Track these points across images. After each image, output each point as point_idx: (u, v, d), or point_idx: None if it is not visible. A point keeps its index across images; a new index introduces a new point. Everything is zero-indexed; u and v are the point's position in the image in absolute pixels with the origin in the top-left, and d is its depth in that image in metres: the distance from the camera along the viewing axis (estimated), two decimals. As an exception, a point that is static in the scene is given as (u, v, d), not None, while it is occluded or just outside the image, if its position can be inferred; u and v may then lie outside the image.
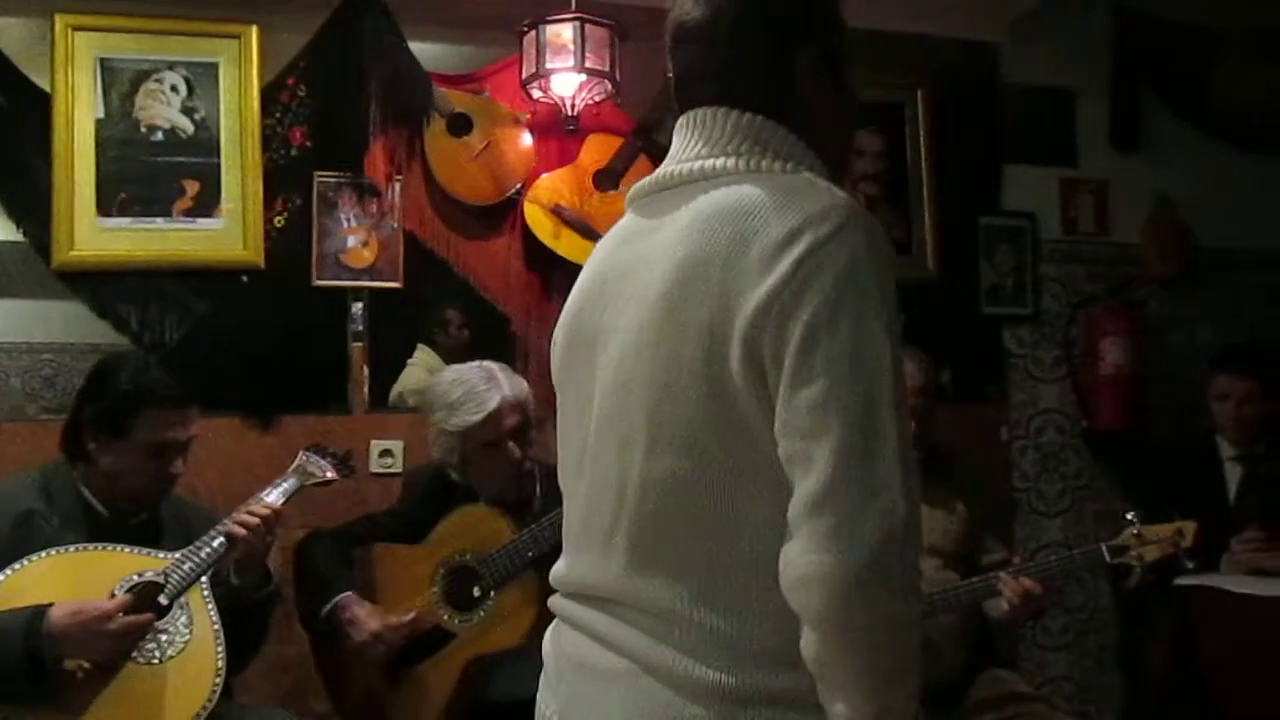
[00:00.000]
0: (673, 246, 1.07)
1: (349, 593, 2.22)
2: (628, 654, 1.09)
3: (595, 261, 1.23)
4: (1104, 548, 2.36)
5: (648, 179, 1.19)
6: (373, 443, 2.86)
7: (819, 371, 0.97)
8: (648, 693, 1.06)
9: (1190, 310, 3.60)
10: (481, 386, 2.26)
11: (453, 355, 2.81)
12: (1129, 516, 2.43)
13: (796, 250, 0.99)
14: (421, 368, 2.93)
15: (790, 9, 1.14)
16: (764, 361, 1.00)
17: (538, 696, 1.23)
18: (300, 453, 2.38)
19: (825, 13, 1.17)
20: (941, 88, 3.38)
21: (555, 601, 1.23)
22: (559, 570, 1.22)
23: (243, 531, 2.02)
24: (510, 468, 2.28)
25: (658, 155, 3.01)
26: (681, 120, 1.17)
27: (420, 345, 2.97)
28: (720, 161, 1.10)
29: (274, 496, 2.16)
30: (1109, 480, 3.50)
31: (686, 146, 1.14)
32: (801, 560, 0.97)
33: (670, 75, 1.20)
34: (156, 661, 1.90)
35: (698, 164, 1.12)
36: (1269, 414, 2.96)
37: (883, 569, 0.95)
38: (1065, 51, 3.51)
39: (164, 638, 1.93)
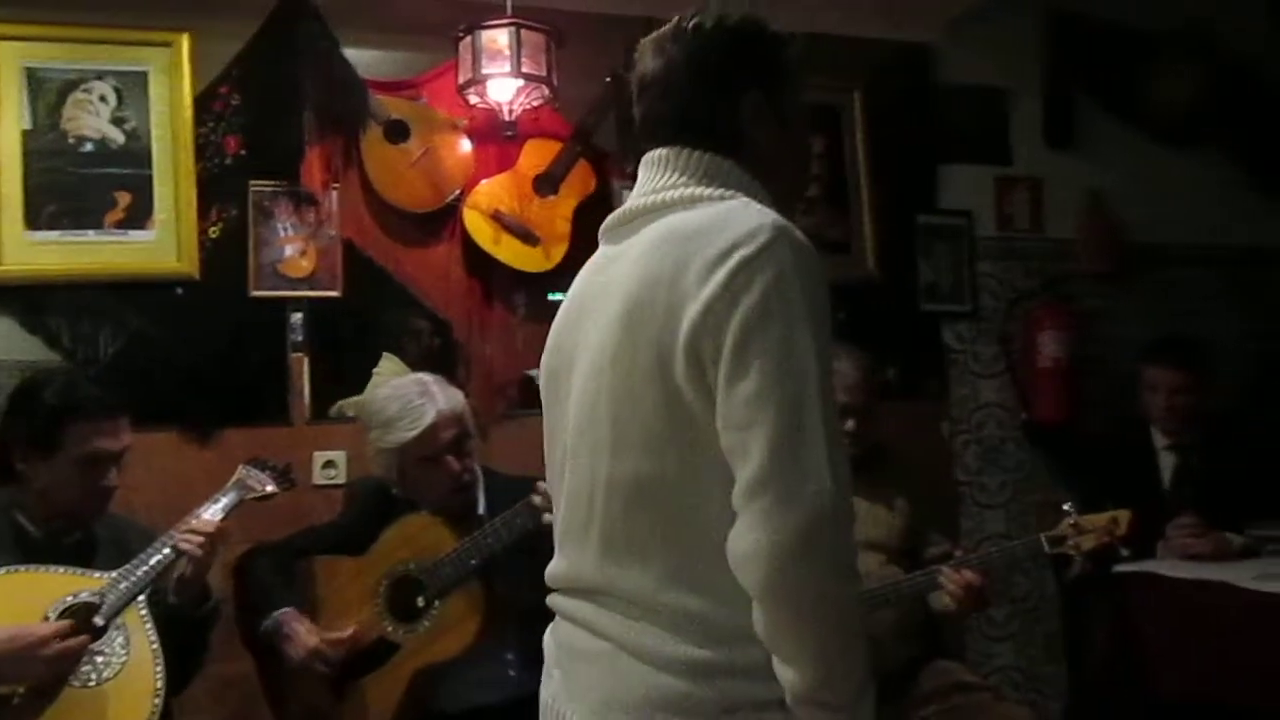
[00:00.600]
0: (629, 271, 1.21)
1: (288, 608, 2.19)
2: (608, 637, 1.21)
3: (574, 288, 1.37)
4: (1043, 538, 2.40)
5: (615, 213, 1.32)
6: (315, 454, 2.83)
7: (752, 371, 1.09)
8: (625, 669, 1.19)
9: (1123, 304, 3.67)
10: (416, 401, 2.24)
11: (423, 364, 2.78)
12: (1066, 507, 2.47)
13: (729, 265, 1.11)
14: (388, 376, 2.90)
15: (733, 61, 1.28)
16: (705, 364, 1.12)
17: (541, 689, 1.35)
18: (240, 466, 2.35)
19: (767, 62, 1.31)
20: (878, 89, 3.42)
21: (551, 599, 1.35)
22: (552, 569, 1.35)
23: (194, 550, 1.99)
24: (450, 480, 2.26)
25: (596, 159, 3.05)
26: (644, 159, 1.31)
27: (387, 355, 2.95)
28: (671, 194, 1.25)
29: (213, 511, 2.14)
30: (1048, 472, 3.56)
31: (646, 182, 1.29)
32: (744, 539, 1.09)
33: (635, 118, 1.34)
34: (94, 684, 1.87)
35: (653, 197, 1.26)
36: (1199, 404, 3.04)
37: (814, 546, 1.07)
38: (999, 52, 3.57)
39: (101, 660, 1.89)
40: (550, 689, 1.31)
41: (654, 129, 1.31)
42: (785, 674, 1.12)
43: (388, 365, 2.92)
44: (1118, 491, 2.63)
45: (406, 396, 2.25)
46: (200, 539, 2.02)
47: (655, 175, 1.28)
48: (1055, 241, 3.62)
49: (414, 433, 2.22)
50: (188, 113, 2.76)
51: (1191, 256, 3.78)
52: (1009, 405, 3.54)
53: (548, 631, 1.37)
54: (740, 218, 1.16)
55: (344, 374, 2.91)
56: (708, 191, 1.23)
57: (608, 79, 3.06)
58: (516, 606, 2.22)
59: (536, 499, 2.13)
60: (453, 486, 2.27)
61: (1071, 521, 2.45)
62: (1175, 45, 3.75)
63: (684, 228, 1.19)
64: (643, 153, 1.31)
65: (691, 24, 1.30)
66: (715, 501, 1.13)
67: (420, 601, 2.21)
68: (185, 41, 2.77)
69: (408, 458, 2.25)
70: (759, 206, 1.20)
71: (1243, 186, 3.88)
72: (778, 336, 1.10)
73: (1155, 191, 3.68)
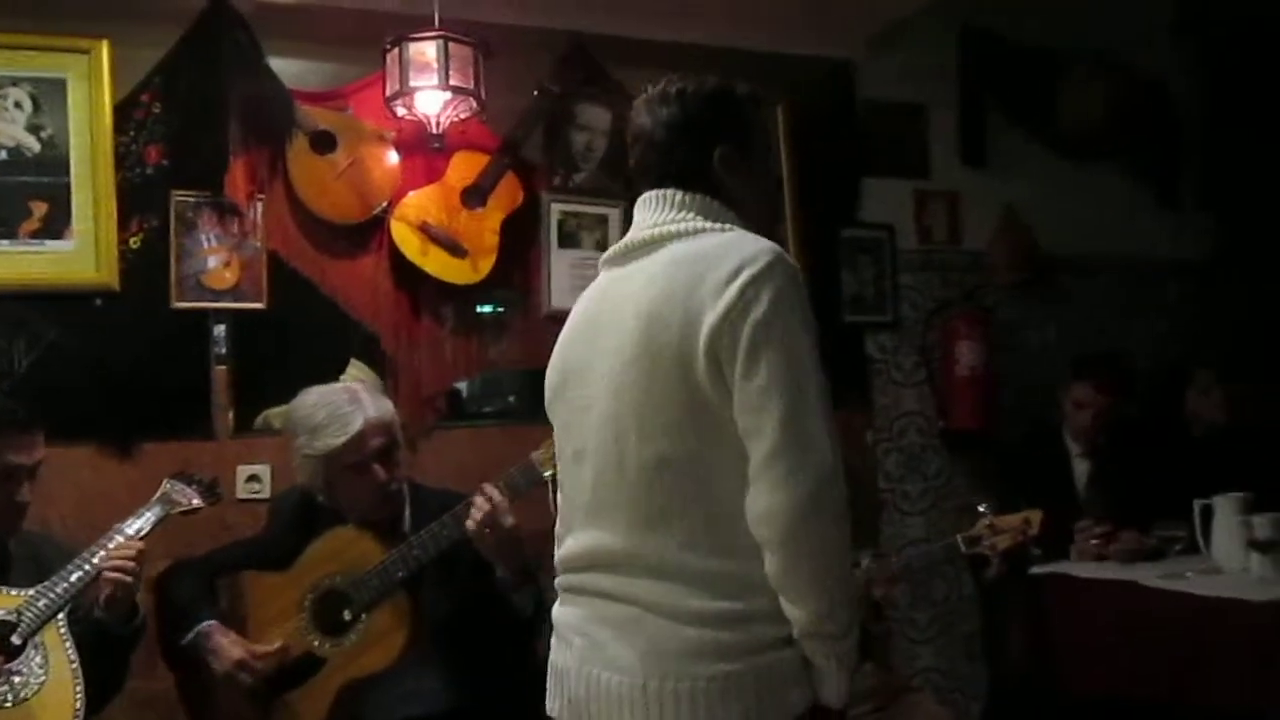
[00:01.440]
0: (644, 289, 1.46)
1: (211, 621, 2.17)
2: (634, 602, 1.43)
3: (580, 307, 1.62)
4: (959, 539, 2.48)
5: (617, 245, 1.58)
6: (239, 468, 2.80)
7: (762, 366, 1.36)
8: (652, 626, 1.41)
9: (1036, 314, 3.80)
10: (345, 408, 2.23)
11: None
12: (981, 508, 2.56)
13: (739, 282, 1.38)
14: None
15: (707, 120, 1.56)
16: (722, 363, 1.38)
17: (551, 658, 1.55)
18: (164, 481, 2.33)
19: (736, 121, 1.58)
20: (801, 104, 3.48)
21: (563, 579, 1.56)
22: (565, 551, 1.56)
23: (121, 579, 1.96)
24: (376, 490, 2.25)
25: (524, 171, 3.07)
26: (640, 200, 1.57)
27: (354, 361, 2.94)
28: (673, 227, 1.51)
29: (138, 527, 2.11)
30: (966, 477, 3.65)
31: (645, 219, 1.55)
32: (762, 501, 1.36)
33: (630, 166, 1.63)
34: (10, 704, 1.84)
35: (655, 230, 1.52)
36: (1115, 415, 3.16)
37: (819, 502, 1.34)
38: (917, 69, 3.66)
39: (18, 679, 1.86)
40: (570, 655, 1.50)
41: (644, 175, 1.58)
42: (794, 612, 1.38)
43: (354, 372, 2.92)
44: (1033, 496, 2.73)
45: (335, 403, 2.24)
46: (129, 564, 1.99)
47: (651, 213, 1.54)
48: (972, 254, 3.72)
49: (341, 439, 2.21)
50: (107, 121, 2.72)
51: (1099, 267, 3.92)
52: (929, 413, 3.63)
53: (557, 606, 1.57)
54: (743, 244, 1.44)
55: (268, 387, 2.88)
56: (708, 224, 1.50)
57: (535, 92, 3.09)
58: (443, 619, 2.23)
59: (481, 500, 2.13)
60: (379, 496, 2.26)
61: (987, 522, 2.54)
62: (1083, 64, 3.89)
63: (692, 253, 1.46)
64: (636, 195, 1.58)
65: (675, 89, 1.56)
66: (727, 475, 1.39)
67: (346, 615, 2.21)
68: (105, 48, 2.72)
69: (334, 465, 2.24)
70: (754, 235, 1.47)
71: (1147, 200, 4.04)
72: (781, 340, 1.37)
73: (1065, 205, 3.81)
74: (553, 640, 1.56)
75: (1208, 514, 2.69)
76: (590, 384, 1.51)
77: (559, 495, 1.63)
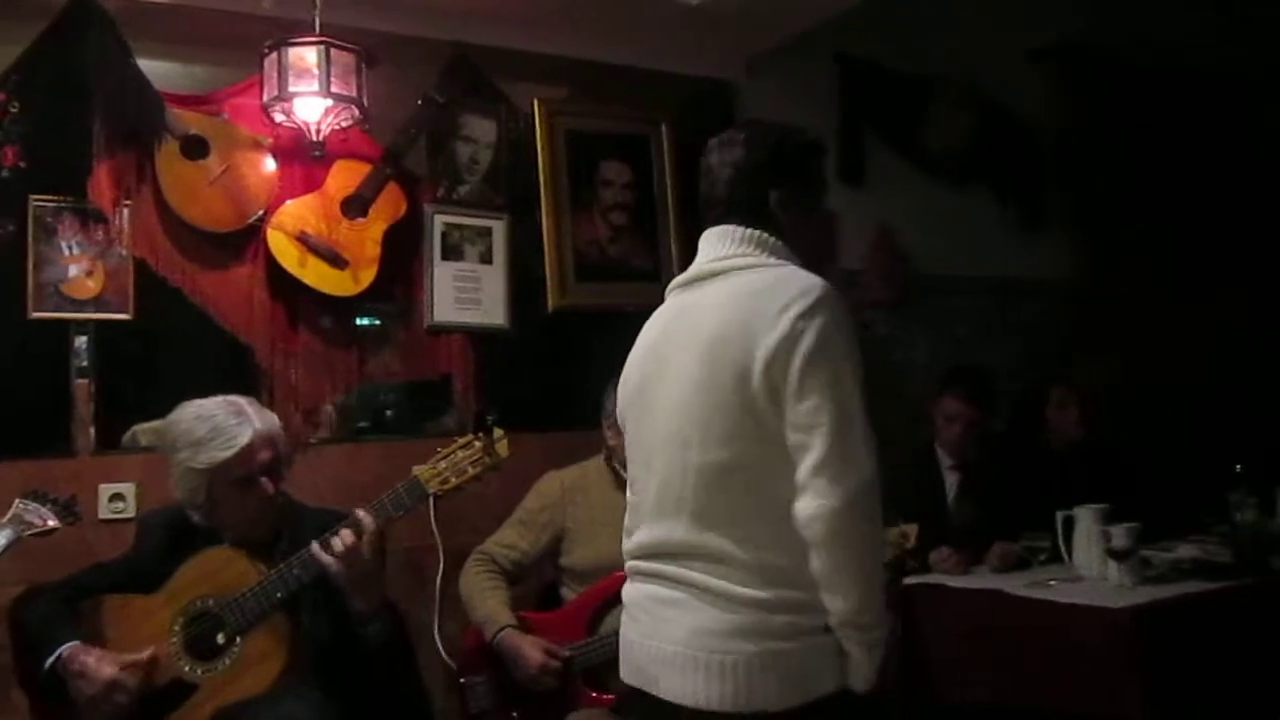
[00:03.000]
0: (709, 316, 1.68)
1: (74, 642, 2.05)
2: (691, 587, 1.65)
3: (654, 327, 1.83)
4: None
5: (684, 275, 1.80)
6: (101, 487, 2.67)
7: (812, 389, 1.58)
8: (705, 611, 1.63)
9: (909, 331, 3.93)
10: (231, 421, 2.15)
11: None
12: None
13: (791, 314, 1.59)
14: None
15: (766, 163, 1.76)
16: (777, 384, 1.59)
17: (621, 631, 1.80)
18: (16, 500, 2.19)
19: (793, 166, 1.78)
20: (684, 122, 3.53)
21: (632, 565, 1.79)
22: (632, 541, 1.79)
23: None
24: (262, 504, 2.18)
25: (407, 182, 3.02)
26: (705, 234, 1.78)
27: None
28: (734, 261, 1.72)
29: (-13, 550, 1.98)
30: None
31: (709, 251, 1.76)
32: (811, 505, 1.57)
33: (700, 198, 1.82)
34: None
35: (718, 264, 1.73)
36: (982, 429, 3.29)
37: (860, 505, 1.56)
38: (796, 91, 3.74)
39: None
40: (637, 629, 1.74)
41: (709, 208, 1.79)
42: (835, 604, 1.59)
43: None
44: (907, 507, 2.81)
45: (218, 417, 2.16)
46: None
47: (715, 247, 1.75)
48: (849, 272, 3.82)
49: (230, 452, 2.13)
50: (-41, 120, 2.57)
51: (966, 287, 4.08)
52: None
53: (627, 586, 1.80)
54: (795, 279, 1.65)
55: (135, 401, 2.76)
56: (766, 259, 1.71)
57: (419, 101, 3.04)
58: (323, 641, 2.16)
59: (346, 533, 2.08)
60: (265, 511, 2.18)
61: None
62: (949, 92, 4.06)
63: (751, 286, 1.67)
64: (704, 228, 1.79)
65: (743, 135, 1.78)
66: (777, 482, 1.60)
67: (220, 639, 2.11)
68: (-45, 44, 2.58)
69: (219, 480, 2.15)
70: (805, 272, 1.67)
71: (1010, 223, 4.23)
72: (829, 367, 1.58)
73: (936, 226, 3.96)
74: (623, 616, 1.80)
75: (1069, 524, 2.83)
76: (659, 398, 1.73)
77: (628, 493, 1.84)
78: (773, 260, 1.71)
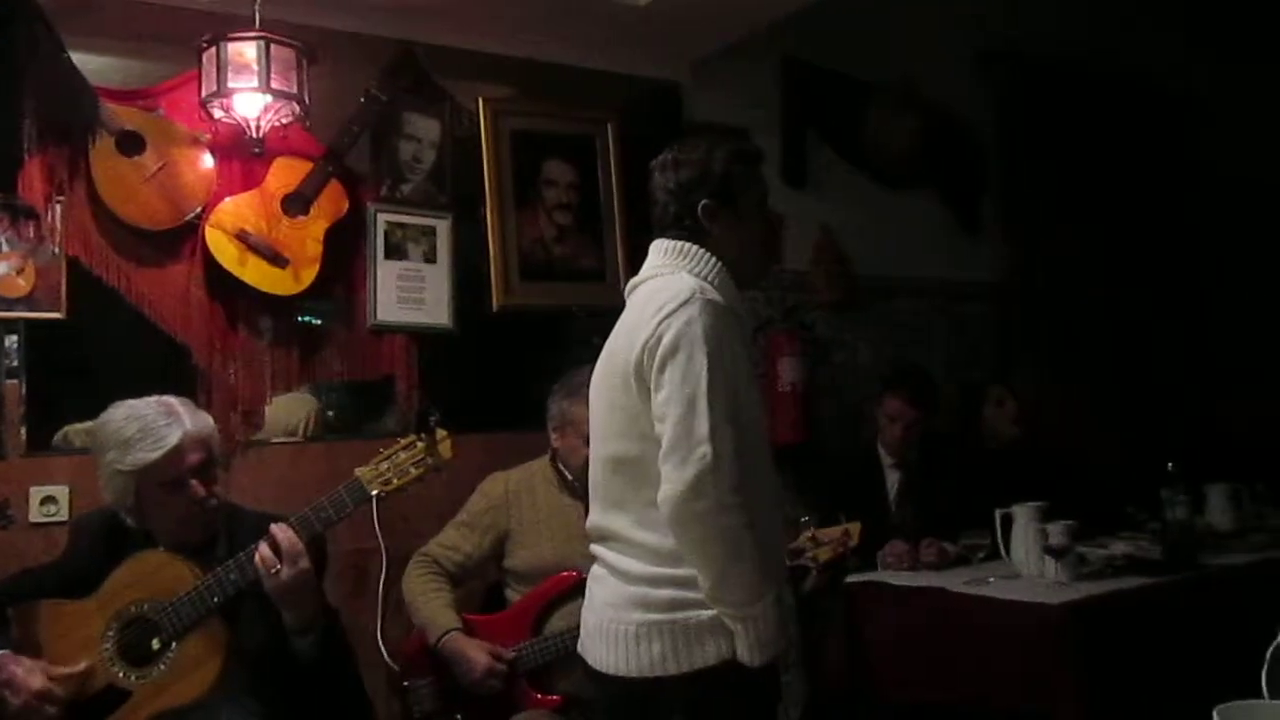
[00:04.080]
0: (620, 325, 1.89)
1: (3, 650, 1.99)
2: (607, 565, 1.87)
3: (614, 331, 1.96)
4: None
5: (634, 280, 1.94)
6: (32, 490, 2.60)
7: (665, 382, 1.74)
8: (612, 585, 1.85)
9: (851, 332, 3.97)
10: (160, 422, 2.10)
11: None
12: (804, 520, 2.64)
13: (658, 317, 1.76)
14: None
15: (693, 179, 1.90)
16: (646, 380, 1.76)
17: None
18: (-57, 505, 2.13)
19: (716, 176, 1.90)
20: (630, 122, 3.54)
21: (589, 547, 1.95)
22: (586, 525, 1.95)
23: None
24: (193, 508, 2.13)
25: (349, 180, 2.98)
26: (651, 245, 1.94)
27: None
28: (651, 272, 1.90)
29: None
30: (788, 490, 3.76)
31: (646, 263, 1.93)
32: (661, 491, 1.72)
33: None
34: None
35: (642, 276, 1.92)
36: (925, 428, 3.33)
37: (698, 489, 1.69)
38: (740, 93, 3.78)
39: None
40: (586, 604, 1.94)
41: (656, 223, 1.95)
42: (700, 581, 1.73)
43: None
44: (849, 506, 2.84)
45: (148, 417, 2.10)
46: None
47: (650, 260, 1.93)
48: (794, 273, 3.85)
49: (157, 454, 2.07)
50: (-119, 113, 2.49)
51: (909, 288, 4.13)
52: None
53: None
54: (673, 285, 1.81)
55: (67, 402, 2.69)
56: (670, 269, 1.87)
57: (362, 99, 3.01)
58: (262, 646, 2.13)
59: (264, 548, 2.05)
60: (195, 515, 2.14)
61: (810, 534, 2.62)
62: (890, 96, 4.11)
63: (646, 294, 1.85)
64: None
65: (671, 156, 1.92)
66: (658, 470, 1.73)
67: (155, 644, 2.07)
68: (-121, 34, 2.50)
69: (148, 481, 2.10)
70: (689, 277, 1.82)
71: (951, 225, 4.29)
72: (682, 362, 1.72)
73: (878, 229, 4.00)
74: None
75: (1007, 522, 2.87)
76: (595, 397, 1.93)
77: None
78: (670, 269, 1.86)
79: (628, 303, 1.93)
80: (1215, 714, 1.14)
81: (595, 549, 1.92)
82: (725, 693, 1.76)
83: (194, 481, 2.12)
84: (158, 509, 2.13)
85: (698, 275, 1.84)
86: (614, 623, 1.81)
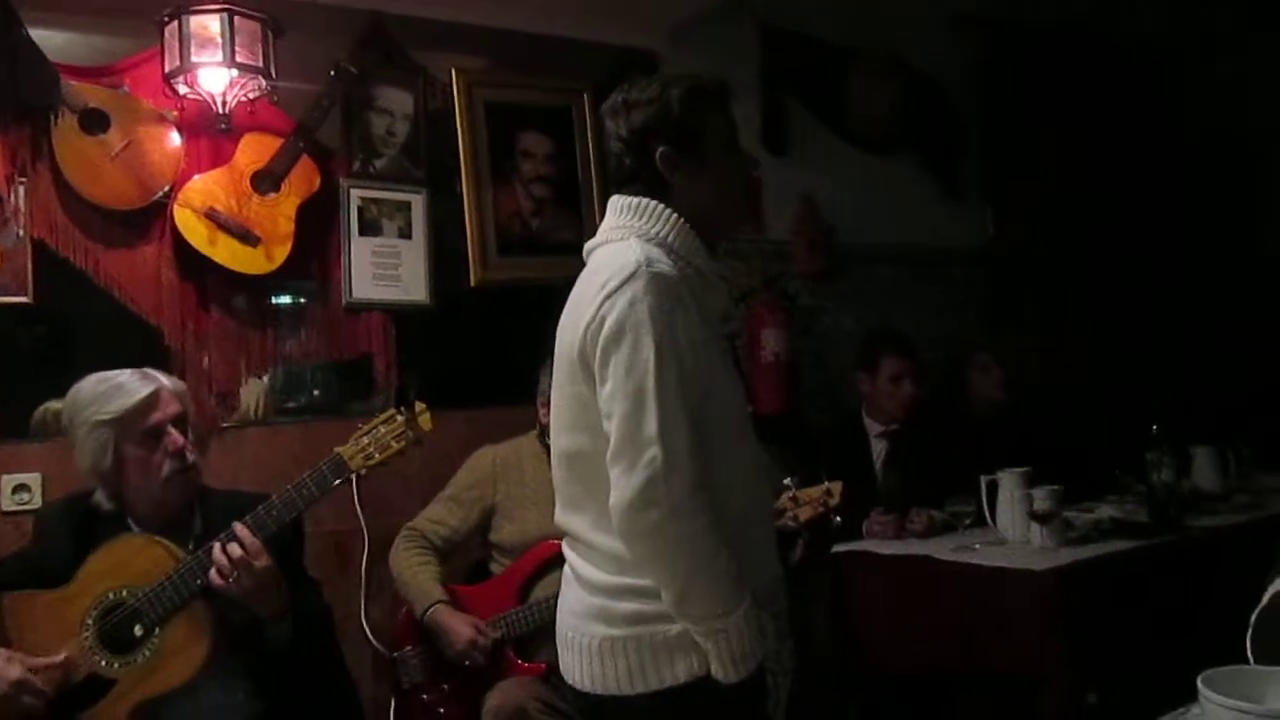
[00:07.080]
0: (573, 292, 1.65)
1: None
2: (573, 569, 1.68)
3: None
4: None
5: (589, 243, 1.70)
6: (4, 477, 2.56)
7: (609, 374, 1.52)
8: (574, 591, 1.66)
9: (833, 301, 3.94)
10: (135, 380, 2.10)
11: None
12: (786, 481, 2.62)
13: (600, 295, 1.54)
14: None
15: (647, 123, 1.64)
16: (591, 367, 1.55)
17: None
18: (-91, 494, 2.08)
19: (674, 121, 1.64)
20: (606, 92, 3.44)
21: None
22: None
23: None
24: (174, 463, 2.10)
25: (320, 156, 2.92)
26: (609, 202, 1.70)
27: None
28: (602, 238, 1.67)
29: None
30: (777, 460, 3.74)
31: (604, 222, 1.69)
32: (611, 498, 1.52)
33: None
34: None
35: (599, 237, 1.68)
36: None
37: (649, 496, 1.48)
38: (719, 59, 3.68)
39: None
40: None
41: (612, 178, 1.72)
42: (663, 594, 1.53)
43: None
44: (835, 475, 2.82)
45: (122, 377, 2.10)
46: None
47: (608, 218, 1.68)
48: (775, 243, 3.81)
49: (135, 399, 2.07)
50: None
51: (890, 256, 4.10)
52: (738, 399, 3.69)
53: None
54: (619, 256, 1.57)
55: (35, 387, 2.64)
56: (613, 235, 1.64)
57: (331, 72, 2.95)
58: (247, 626, 2.10)
59: (217, 551, 2.02)
60: (175, 473, 2.10)
61: (791, 495, 2.61)
62: (871, 62, 4.06)
63: (592, 266, 1.64)
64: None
65: (621, 99, 1.67)
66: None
67: (138, 630, 2.03)
68: None
69: (127, 434, 2.07)
70: (637, 244, 1.58)
71: (933, 191, 4.26)
72: (626, 349, 1.50)
73: (859, 196, 3.96)
74: None
75: (993, 488, 2.86)
76: (554, 382, 1.70)
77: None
78: (619, 234, 1.63)
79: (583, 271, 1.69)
80: (1200, 681, 1.13)
81: (564, 548, 1.72)
82: (700, 712, 1.57)
83: (173, 430, 2.09)
84: (138, 470, 2.10)
85: (652, 239, 1.60)
86: (576, 633, 1.63)
